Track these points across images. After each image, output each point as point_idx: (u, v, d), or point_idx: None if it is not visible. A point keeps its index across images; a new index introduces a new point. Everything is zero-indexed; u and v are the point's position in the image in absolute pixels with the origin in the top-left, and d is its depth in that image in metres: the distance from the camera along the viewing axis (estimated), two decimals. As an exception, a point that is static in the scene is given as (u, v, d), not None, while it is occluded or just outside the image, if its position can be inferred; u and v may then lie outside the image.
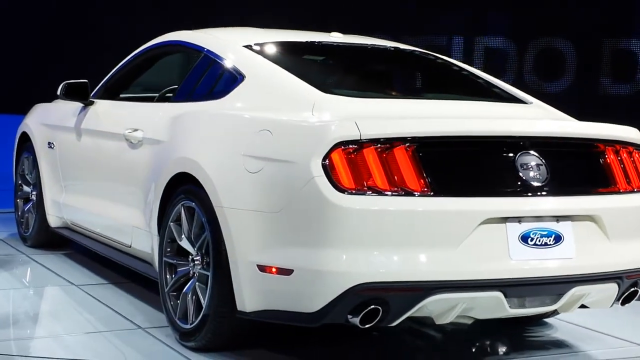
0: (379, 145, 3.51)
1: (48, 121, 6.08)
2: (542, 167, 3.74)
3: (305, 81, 4.10)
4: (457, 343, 4.52)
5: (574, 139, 3.94)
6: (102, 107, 5.45)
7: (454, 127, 3.68)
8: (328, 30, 5.26)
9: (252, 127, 3.86)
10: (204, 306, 3.93)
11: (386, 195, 3.47)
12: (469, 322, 4.48)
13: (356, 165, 3.48)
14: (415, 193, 3.50)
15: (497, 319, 4.09)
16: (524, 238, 3.64)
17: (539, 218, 3.69)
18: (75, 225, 5.66)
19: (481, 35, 9.05)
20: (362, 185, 3.47)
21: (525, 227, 3.65)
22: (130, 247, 4.82)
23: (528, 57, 8.71)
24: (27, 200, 6.33)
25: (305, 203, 3.50)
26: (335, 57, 4.98)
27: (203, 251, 4.00)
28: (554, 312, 4.45)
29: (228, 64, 4.52)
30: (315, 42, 4.95)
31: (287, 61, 4.48)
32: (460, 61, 5.31)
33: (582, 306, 3.97)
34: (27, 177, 6.35)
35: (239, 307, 3.76)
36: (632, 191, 3.96)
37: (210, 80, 4.63)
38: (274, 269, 3.62)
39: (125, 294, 5.06)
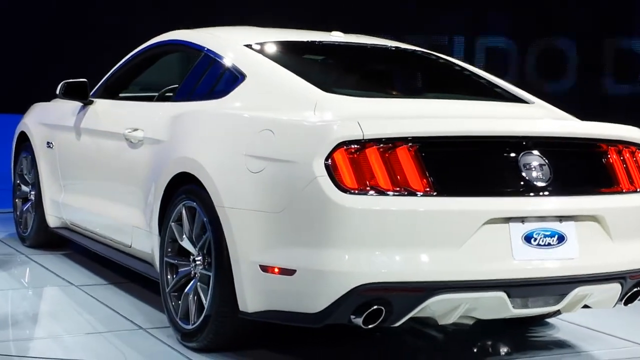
0: (382, 145, 3.49)
1: (47, 120, 6.05)
2: (545, 167, 3.72)
3: (307, 80, 4.09)
4: (459, 343, 4.50)
5: (576, 139, 3.93)
6: (102, 107, 5.42)
7: (456, 127, 3.67)
8: (328, 30, 5.24)
9: (253, 126, 3.85)
10: (205, 306, 3.92)
11: (389, 195, 3.46)
12: (471, 322, 4.45)
13: (359, 165, 3.46)
14: (418, 193, 3.48)
15: (503, 319, 4.07)
16: (527, 238, 3.63)
17: (542, 218, 3.68)
18: (74, 225, 5.64)
19: (482, 35, 9.04)
20: (364, 185, 3.45)
21: (528, 227, 3.63)
22: (130, 247, 4.80)
23: (529, 56, 8.70)
24: (25, 200, 6.30)
25: (308, 203, 3.48)
26: (337, 57, 4.96)
27: (204, 251, 3.98)
28: (557, 312, 4.43)
29: (228, 63, 4.50)
30: (316, 41, 4.93)
31: (288, 60, 4.46)
32: (461, 61, 5.29)
33: (585, 306, 3.96)
34: (25, 176, 6.32)
35: (241, 308, 3.75)
36: (635, 191, 3.95)
37: (210, 79, 4.61)
38: (276, 269, 3.60)
39: (126, 294, 5.04)
